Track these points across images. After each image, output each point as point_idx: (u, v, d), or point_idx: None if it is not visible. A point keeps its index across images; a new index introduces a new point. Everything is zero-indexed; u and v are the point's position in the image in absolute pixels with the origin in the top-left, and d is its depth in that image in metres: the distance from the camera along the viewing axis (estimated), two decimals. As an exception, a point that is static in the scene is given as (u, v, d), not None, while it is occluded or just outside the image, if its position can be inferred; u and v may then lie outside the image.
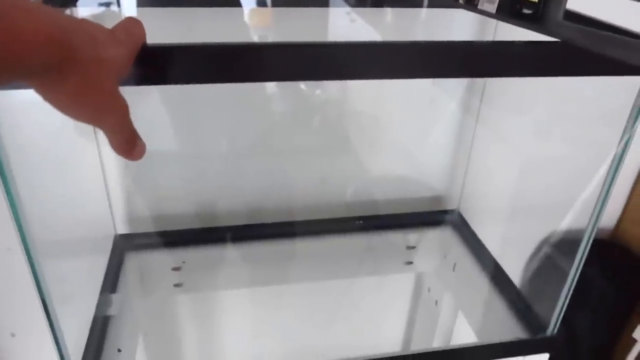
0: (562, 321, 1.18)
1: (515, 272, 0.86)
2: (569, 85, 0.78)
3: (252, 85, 0.89)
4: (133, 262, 0.88)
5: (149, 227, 0.92)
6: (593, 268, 1.14)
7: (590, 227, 0.68)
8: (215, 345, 1.12)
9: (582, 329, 1.17)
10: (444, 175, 1.03)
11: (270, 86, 0.91)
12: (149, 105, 0.86)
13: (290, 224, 0.98)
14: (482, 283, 0.88)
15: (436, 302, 1.05)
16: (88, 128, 0.84)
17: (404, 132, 1.00)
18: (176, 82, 0.38)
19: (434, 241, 1.03)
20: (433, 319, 1.07)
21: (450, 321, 1.04)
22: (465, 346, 0.75)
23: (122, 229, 0.90)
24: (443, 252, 1.02)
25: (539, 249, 0.90)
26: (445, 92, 0.98)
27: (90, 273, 0.80)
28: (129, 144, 0.35)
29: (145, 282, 0.92)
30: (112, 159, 0.86)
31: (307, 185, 0.99)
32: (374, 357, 0.67)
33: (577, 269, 0.70)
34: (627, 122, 0.61)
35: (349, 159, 0.99)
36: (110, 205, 0.88)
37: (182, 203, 0.94)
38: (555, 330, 0.74)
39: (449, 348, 0.74)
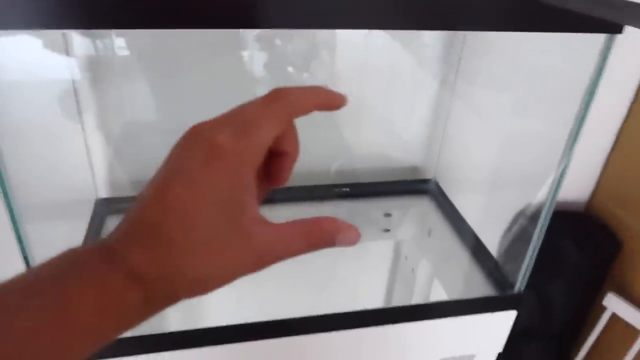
0: (537, 291, 1.22)
1: (490, 238, 0.88)
2: (542, 60, 0.80)
3: (239, 63, 0.91)
4: (114, 226, 0.89)
5: (131, 191, 0.93)
6: (567, 240, 1.18)
7: (550, 195, 0.70)
8: (195, 311, 1.14)
9: (556, 298, 1.20)
10: (421, 146, 1.06)
11: (258, 66, 0.93)
12: (134, 74, 0.87)
13: (272, 191, 1.00)
14: (457, 250, 0.91)
15: (413, 270, 1.08)
16: (70, 105, 0.85)
17: (383, 106, 1.02)
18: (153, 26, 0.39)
19: (411, 210, 1.06)
20: (410, 286, 1.10)
21: (426, 288, 1.07)
22: (436, 302, 0.78)
23: (104, 193, 0.91)
24: (420, 220, 1.05)
25: (515, 218, 0.93)
26: (423, 67, 1.00)
27: (71, 236, 0.81)
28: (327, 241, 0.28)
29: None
30: (94, 125, 0.87)
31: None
32: (341, 312, 0.70)
33: (540, 231, 0.72)
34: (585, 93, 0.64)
35: (331, 131, 1.01)
36: (92, 170, 0.89)
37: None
38: (522, 288, 0.76)
39: (419, 304, 0.77)
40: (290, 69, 0.97)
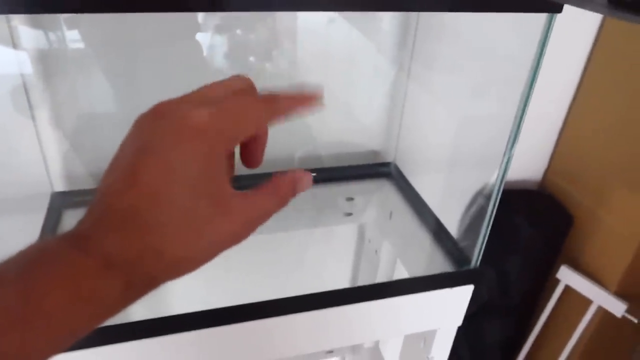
0: (494, 267, 1.27)
1: (448, 218, 0.91)
2: (491, 42, 0.83)
3: (199, 53, 0.90)
4: (71, 219, 0.87)
5: (89, 184, 0.92)
6: (521, 217, 1.22)
7: (500, 174, 0.73)
8: (162, 299, 1.13)
9: (513, 273, 1.25)
10: (381, 130, 1.07)
11: (218, 56, 0.92)
12: (87, 66, 0.85)
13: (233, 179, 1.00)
14: (417, 230, 0.94)
15: (376, 252, 1.10)
16: (21, 100, 0.83)
17: (343, 92, 1.03)
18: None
19: (372, 193, 1.08)
20: (375, 268, 1.13)
21: (390, 269, 1.09)
22: (397, 280, 0.80)
23: (60, 187, 0.89)
24: (381, 203, 1.07)
25: (473, 198, 0.96)
26: (381, 53, 1.01)
27: (26, 231, 0.79)
28: (284, 200, 0.30)
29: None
30: (46, 118, 0.85)
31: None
32: (305, 294, 0.71)
33: (492, 209, 0.75)
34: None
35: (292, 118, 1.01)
36: (45, 163, 0.87)
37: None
38: (478, 263, 0.79)
39: (380, 282, 0.79)
40: (251, 58, 0.97)
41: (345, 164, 1.07)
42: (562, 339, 1.21)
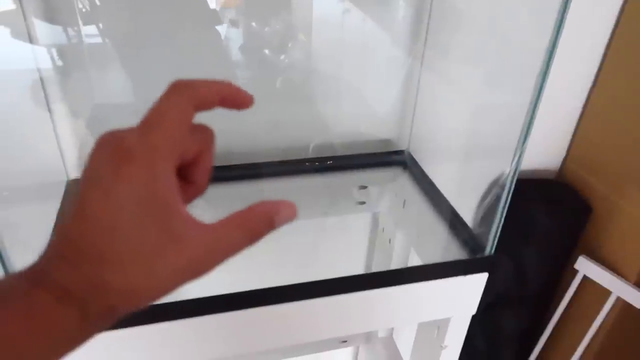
0: (511, 257, 1.25)
1: (463, 206, 0.90)
2: (506, 28, 0.81)
3: (214, 46, 0.90)
4: None
5: (46, 179, 0.92)
6: (539, 206, 1.20)
7: (514, 162, 0.72)
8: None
9: (530, 264, 1.24)
10: (394, 117, 1.06)
11: (234, 49, 0.92)
12: (103, 58, 0.86)
13: (246, 167, 1.00)
14: (431, 219, 0.93)
15: (390, 241, 1.10)
16: (38, 92, 0.84)
17: (358, 81, 1.03)
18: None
19: (386, 181, 1.07)
20: (389, 257, 1.12)
21: (403, 258, 1.09)
22: (410, 267, 0.79)
23: (75, 174, 0.91)
24: (394, 192, 1.06)
25: (489, 187, 0.95)
26: (395, 42, 1.00)
27: (42, 220, 0.81)
28: (263, 231, 0.27)
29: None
30: (61, 108, 0.86)
31: (263, 129, 1.01)
32: (316, 280, 0.71)
33: (506, 196, 0.74)
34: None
35: (307, 107, 1.01)
36: (61, 152, 0.88)
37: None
38: (492, 251, 0.78)
39: (393, 269, 0.79)
40: (266, 51, 0.97)
41: (359, 152, 1.07)
42: (580, 330, 1.19)
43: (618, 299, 1.10)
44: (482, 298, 1.33)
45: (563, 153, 1.27)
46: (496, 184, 0.85)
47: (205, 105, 0.28)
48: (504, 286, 1.27)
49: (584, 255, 1.16)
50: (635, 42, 1.06)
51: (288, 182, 1.02)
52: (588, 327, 1.17)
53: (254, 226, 0.27)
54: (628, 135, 1.10)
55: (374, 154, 1.07)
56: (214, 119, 0.31)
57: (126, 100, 0.92)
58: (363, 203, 1.06)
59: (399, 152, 1.06)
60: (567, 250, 1.23)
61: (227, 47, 0.92)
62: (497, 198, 0.79)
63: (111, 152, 0.24)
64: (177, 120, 0.26)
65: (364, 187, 1.05)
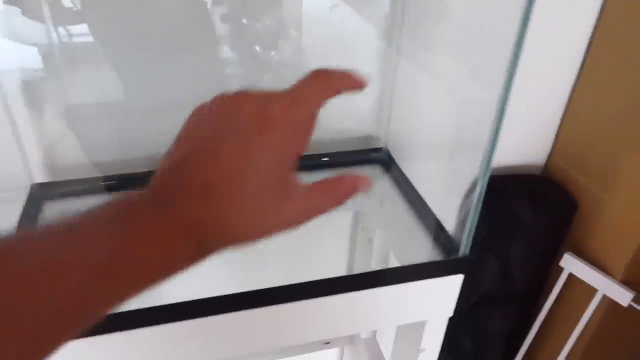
0: (495, 255, 1.22)
1: (440, 206, 0.87)
2: (485, 19, 0.78)
3: (203, 43, 0.87)
4: (53, 211, 0.86)
5: (71, 175, 0.90)
6: (523, 203, 1.18)
7: (485, 159, 0.69)
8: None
9: (515, 262, 1.21)
10: (372, 114, 1.04)
11: (224, 47, 0.89)
12: (72, 56, 0.84)
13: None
14: (408, 219, 0.90)
15: (370, 240, 1.07)
16: None
17: None
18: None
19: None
20: (368, 257, 1.10)
21: (383, 258, 1.06)
22: (380, 270, 0.77)
23: (40, 178, 0.88)
24: (372, 191, 1.03)
25: (465, 185, 0.92)
26: (379, 36, 0.97)
27: (2, 222, 0.78)
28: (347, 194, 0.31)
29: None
30: (24, 109, 0.84)
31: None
32: (283, 285, 0.68)
33: (480, 194, 0.71)
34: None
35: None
36: (24, 155, 0.86)
37: (108, 149, 0.92)
38: (467, 251, 0.76)
39: (358, 273, 0.76)
40: (257, 48, 0.95)
41: (337, 150, 1.04)
42: (567, 328, 1.17)
43: (604, 296, 1.07)
44: (467, 297, 1.31)
45: (548, 148, 1.24)
46: (473, 181, 0.82)
47: (335, 94, 0.31)
48: (489, 285, 1.25)
49: (570, 253, 1.14)
50: (621, 31, 1.03)
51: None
52: (575, 325, 1.14)
53: (341, 193, 0.31)
54: (613, 130, 1.07)
55: (352, 152, 1.05)
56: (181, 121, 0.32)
57: (93, 101, 0.89)
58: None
59: (377, 150, 1.04)
60: (553, 248, 1.21)
61: (217, 43, 0.90)
62: (473, 197, 0.76)
63: (257, 113, 0.28)
64: (316, 105, 0.30)
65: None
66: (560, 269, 1.16)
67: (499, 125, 0.67)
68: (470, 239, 0.74)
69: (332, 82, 0.31)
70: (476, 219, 0.73)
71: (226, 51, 0.91)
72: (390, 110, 1.00)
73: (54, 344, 0.22)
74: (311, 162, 1.01)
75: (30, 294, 0.21)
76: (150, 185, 0.28)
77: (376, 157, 1.03)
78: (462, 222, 0.79)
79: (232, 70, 0.94)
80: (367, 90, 1.01)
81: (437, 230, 0.83)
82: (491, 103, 0.77)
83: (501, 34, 0.75)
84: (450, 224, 0.82)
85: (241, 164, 0.27)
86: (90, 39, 0.82)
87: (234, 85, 0.93)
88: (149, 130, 0.92)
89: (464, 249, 0.76)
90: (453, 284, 0.77)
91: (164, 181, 0.28)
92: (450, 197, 0.85)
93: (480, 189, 0.71)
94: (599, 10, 1.06)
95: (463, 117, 0.87)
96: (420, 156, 0.97)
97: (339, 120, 1.03)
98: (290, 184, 0.29)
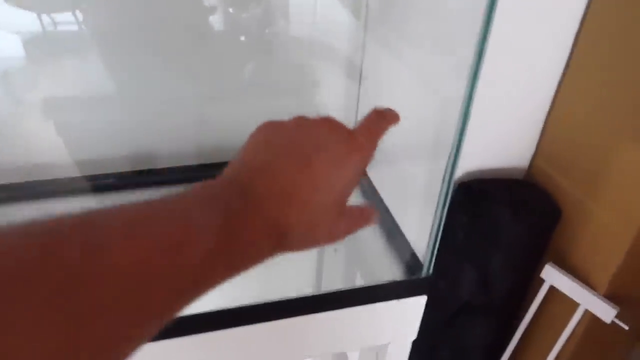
0: (474, 263, 1.15)
1: (405, 216, 0.80)
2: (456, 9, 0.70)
3: (185, 33, 0.81)
4: (25, 214, 0.78)
5: (15, 178, 0.83)
6: (504, 209, 1.10)
7: (449, 165, 0.61)
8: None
9: (494, 271, 1.14)
10: (339, 112, 0.96)
11: (210, 37, 0.82)
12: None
13: (172, 171, 0.90)
14: (370, 231, 0.83)
15: (335, 250, 1.00)
16: None
17: (310, 72, 0.92)
18: None
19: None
20: (335, 270, 1.02)
21: (350, 272, 0.99)
22: (338, 291, 0.69)
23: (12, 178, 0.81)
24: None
25: (431, 194, 0.85)
26: (357, 26, 0.90)
27: None
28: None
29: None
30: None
31: (192, 130, 0.91)
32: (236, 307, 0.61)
33: (442, 209, 0.64)
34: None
35: (237, 102, 0.91)
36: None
37: (55, 151, 0.85)
38: (430, 271, 0.68)
39: (318, 294, 0.69)
40: (242, 38, 0.87)
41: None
42: (547, 344, 1.10)
43: (586, 312, 1.01)
44: (446, 307, 1.24)
45: (532, 150, 1.17)
46: (440, 189, 0.75)
47: (387, 129, 0.36)
48: (467, 294, 1.18)
49: (551, 263, 1.07)
50: (603, 37, 0.96)
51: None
52: (555, 340, 1.08)
53: (369, 221, 0.35)
54: (599, 132, 0.99)
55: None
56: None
57: (86, 94, 0.83)
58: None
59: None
60: (534, 257, 1.14)
61: (203, 34, 0.83)
62: (437, 208, 0.69)
63: (345, 139, 0.32)
64: (380, 137, 0.35)
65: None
66: (542, 281, 1.09)
67: (462, 131, 0.60)
68: (434, 257, 0.67)
69: (388, 120, 0.36)
70: (439, 236, 0.66)
71: (212, 41, 0.84)
72: (357, 107, 0.92)
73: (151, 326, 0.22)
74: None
75: (156, 264, 0.22)
76: (234, 181, 0.29)
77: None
78: (426, 236, 0.72)
79: (218, 60, 0.88)
80: (333, 85, 0.92)
81: (400, 244, 0.76)
82: (460, 103, 0.70)
83: (471, 25, 0.67)
84: (417, 241, 0.75)
85: (327, 178, 0.30)
86: (76, 27, 0.77)
87: (220, 77, 0.86)
88: (134, 128, 0.85)
89: (427, 268, 0.68)
90: (416, 305, 0.70)
91: (253, 180, 0.29)
92: (417, 208, 0.77)
93: (443, 201, 0.63)
94: (583, 10, 0.98)
95: (431, 117, 0.79)
96: (387, 161, 0.89)
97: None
98: (346, 206, 0.32)
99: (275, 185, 0.29)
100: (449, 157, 0.61)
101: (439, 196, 0.63)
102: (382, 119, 0.35)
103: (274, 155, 0.30)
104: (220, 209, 0.26)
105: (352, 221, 0.33)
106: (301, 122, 0.32)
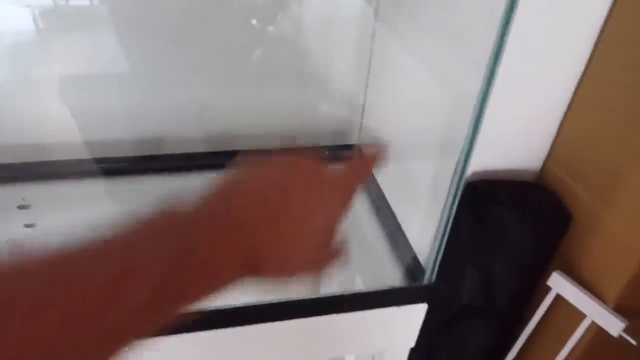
0: (477, 267, 1.11)
1: (410, 219, 0.76)
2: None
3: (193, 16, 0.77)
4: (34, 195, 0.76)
5: (23, 157, 0.80)
6: (512, 212, 1.06)
7: (459, 167, 0.57)
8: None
9: (498, 276, 1.10)
10: (345, 107, 0.92)
11: (219, 20, 0.78)
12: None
13: (177, 157, 0.87)
14: (374, 233, 0.79)
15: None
16: None
17: (316, 64, 0.88)
18: None
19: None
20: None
21: (349, 271, 0.95)
22: (339, 295, 0.66)
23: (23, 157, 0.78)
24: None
25: (439, 197, 0.80)
26: (350, 16, 0.85)
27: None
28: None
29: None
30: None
31: (185, 118, 0.87)
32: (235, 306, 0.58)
33: (449, 214, 0.59)
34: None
35: (243, 91, 0.87)
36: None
37: (64, 131, 0.81)
38: (433, 279, 0.65)
39: (317, 297, 0.65)
40: (254, 21, 0.83)
41: (306, 144, 0.92)
42: (549, 353, 1.06)
43: (593, 323, 0.97)
44: (445, 309, 1.20)
45: (545, 152, 1.12)
46: (448, 192, 0.70)
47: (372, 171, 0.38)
48: (468, 297, 1.14)
49: (559, 271, 1.03)
50: (626, 38, 0.91)
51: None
52: (558, 350, 1.04)
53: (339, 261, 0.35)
54: (615, 137, 0.94)
55: (321, 147, 0.93)
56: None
57: (96, 72, 0.79)
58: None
59: (348, 147, 0.92)
60: (541, 263, 1.10)
61: (211, 16, 0.79)
62: (444, 213, 0.64)
63: (328, 180, 0.33)
64: (363, 180, 0.36)
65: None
66: (548, 288, 1.05)
67: (475, 130, 0.55)
68: (437, 265, 0.63)
69: (369, 171, 0.37)
70: (444, 242, 0.62)
71: (222, 24, 0.80)
72: (364, 102, 0.88)
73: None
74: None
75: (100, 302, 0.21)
76: (208, 205, 0.28)
77: (345, 155, 0.91)
78: (430, 241, 0.68)
79: (228, 44, 0.83)
80: (340, 81, 0.88)
81: (404, 249, 0.72)
82: (474, 100, 0.65)
83: (494, 18, 0.63)
84: (420, 245, 0.71)
85: (307, 214, 0.30)
86: (88, 2, 0.74)
87: (230, 63, 0.82)
88: (142, 112, 0.82)
89: (429, 275, 0.64)
90: (416, 313, 0.66)
91: (230, 205, 0.28)
92: (423, 211, 0.73)
93: (450, 205, 0.59)
94: (606, 13, 0.93)
95: (441, 113, 0.74)
96: (393, 157, 0.85)
97: (310, 113, 0.91)
98: (327, 243, 0.33)
99: (252, 211, 0.29)
100: (459, 158, 0.57)
101: (446, 200, 0.59)
102: (365, 164, 0.37)
103: (253, 186, 0.30)
104: (175, 239, 0.25)
105: (330, 260, 0.33)
106: (292, 162, 0.33)
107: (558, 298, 1.03)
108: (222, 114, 0.87)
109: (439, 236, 0.61)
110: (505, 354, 1.16)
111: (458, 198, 0.58)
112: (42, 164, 0.81)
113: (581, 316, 0.98)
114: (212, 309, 0.59)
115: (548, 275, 1.05)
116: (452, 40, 0.70)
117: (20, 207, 0.78)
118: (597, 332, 0.97)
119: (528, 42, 0.94)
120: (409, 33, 0.78)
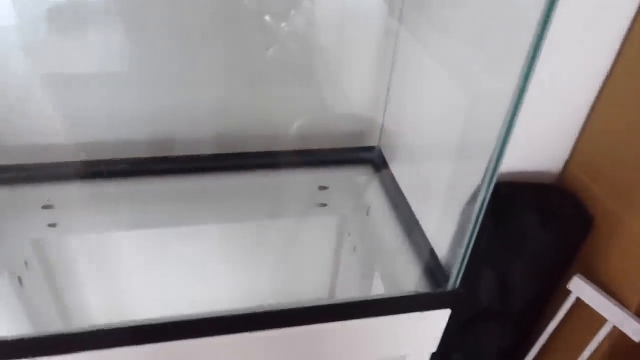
0: (495, 269, 1.11)
1: (431, 222, 0.75)
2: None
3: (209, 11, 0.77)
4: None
5: (16, 160, 0.80)
6: (532, 214, 1.05)
7: (489, 172, 0.56)
8: (109, 293, 1.03)
9: (517, 278, 1.09)
10: (365, 108, 0.91)
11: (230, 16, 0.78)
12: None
13: (189, 159, 0.87)
14: (393, 235, 0.78)
15: (355, 248, 0.96)
16: None
17: (332, 63, 0.87)
18: None
19: (352, 182, 0.92)
20: (353, 268, 0.99)
21: (368, 272, 0.95)
22: (361, 301, 0.65)
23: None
24: (359, 195, 0.91)
25: (462, 201, 0.80)
26: (390, 18, 0.84)
27: None
28: None
29: (12, 222, 0.80)
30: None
31: (211, 117, 0.87)
32: (253, 312, 0.58)
33: (477, 218, 0.59)
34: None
35: (262, 91, 0.86)
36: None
37: (59, 134, 0.81)
38: (457, 284, 0.64)
39: (340, 303, 0.65)
40: (267, 17, 0.83)
41: (327, 146, 0.92)
42: (568, 358, 1.05)
43: (614, 328, 0.96)
44: (462, 311, 1.19)
45: (566, 154, 1.11)
46: (472, 196, 0.70)
47: None
48: (485, 300, 1.13)
49: (580, 275, 1.02)
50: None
51: (253, 178, 0.88)
52: (578, 354, 1.03)
53: None
54: (638, 141, 0.93)
55: (342, 149, 0.92)
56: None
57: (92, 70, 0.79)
58: (324, 205, 0.92)
59: (369, 149, 0.91)
60: (560, 267, 1.09)
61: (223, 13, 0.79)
62: (470, 218, 0.64)
63: None
64: None
65: (325, 188, 0.90)
66: (568, 292, 1.04)
67: (509, 130, 0.54)
68: (462, 271, 0.63)
69: None
70: (470, 246, 0.61)
71: (236, 25, 0.80)
72: (386, 103, 0.87)
73: None
74: (296, 159, 0.89)
75: None
76: None
77: (367, 156, 0.91)
78: (454, 246, 0.67)
79: (238, 42, 0.83)
80: (361, 81, 0.87)
81: (425, 253, 0.71)
82: (503, 101, 0.64)
83: (524, 18, 0.62)
84: (441, 247, 0.70)
85: None
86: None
87: (244, 63, 0.82)
88: (152, 112, 0.82)
89: (453, 280, 0.64)
90: (439, 318, 0.66)
91: None
92: (444, 213, 0.73)
93: (479, 209, 0.59)
94: (633, 13, 0.91)
95: (465, 115, 0.74)
96: (414, 159, 0.84)
97: (329, 113, 0.91)
98: None
99: None
100: (490, 158, 0.56)
101: (476, 202, 0.58)
102: None
103: None
104: None
105: None
106: None
107: (578, 302, 1.02)
108: (235, 114, 0.87)
109: (465, 241, 0.61)
110: (522, 357, 1.16)
111: (487, 200, 0.58)
112: (59, 164, 0.81)
113: (602, 321, 0.97)
114: (236, 313, 0.59)
115: (568, 278, 1.04)
116: (475, 41, 0.69)
117: (45, 207, 0.79)
118: (618, 338, 0.96)
119: (552, 43, 0.92)
120: (432, 33, 0.77)
